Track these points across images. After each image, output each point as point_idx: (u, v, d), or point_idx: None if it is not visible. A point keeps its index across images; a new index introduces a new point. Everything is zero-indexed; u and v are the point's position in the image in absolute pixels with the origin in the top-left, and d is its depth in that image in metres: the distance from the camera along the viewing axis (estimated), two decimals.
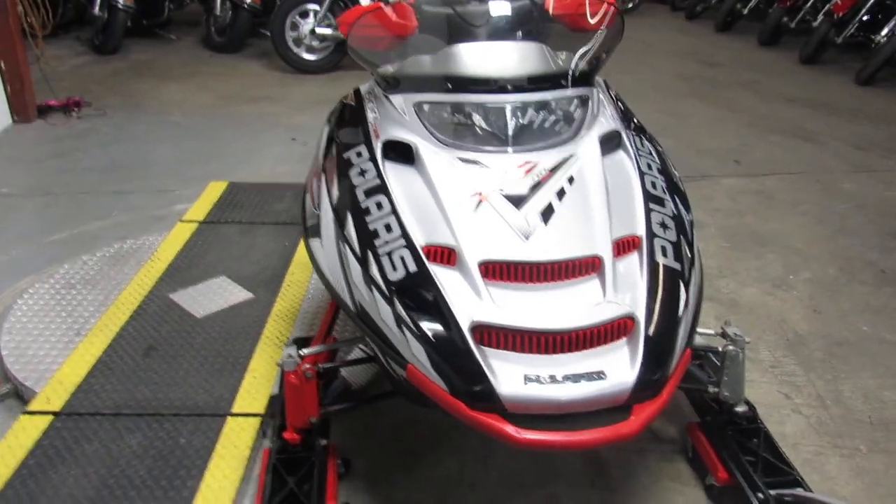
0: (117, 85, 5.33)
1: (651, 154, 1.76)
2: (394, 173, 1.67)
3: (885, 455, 1.93)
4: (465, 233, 1.48)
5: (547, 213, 1.52)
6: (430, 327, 1.37)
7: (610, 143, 1.74)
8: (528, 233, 1.47)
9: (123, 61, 5.98)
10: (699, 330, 1.87)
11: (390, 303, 1.43)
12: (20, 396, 2.05)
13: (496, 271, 1.44)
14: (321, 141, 1.94)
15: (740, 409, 1.77)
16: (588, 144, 1.69)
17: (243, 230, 2.95)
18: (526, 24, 1.95)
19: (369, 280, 1.48)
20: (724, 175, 3.83)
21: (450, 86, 1.72)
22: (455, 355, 1.33)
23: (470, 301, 1.39)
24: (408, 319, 1.39)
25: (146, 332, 2.24)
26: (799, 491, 1.58)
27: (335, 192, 1.69)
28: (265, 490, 1.57)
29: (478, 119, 1.71)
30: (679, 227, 1.57)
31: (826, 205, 3.48)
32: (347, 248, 1.56)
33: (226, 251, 2.76)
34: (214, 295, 2.45)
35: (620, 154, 1.74)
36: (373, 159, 1.70)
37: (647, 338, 1.35)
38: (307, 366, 1.62)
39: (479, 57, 1.77)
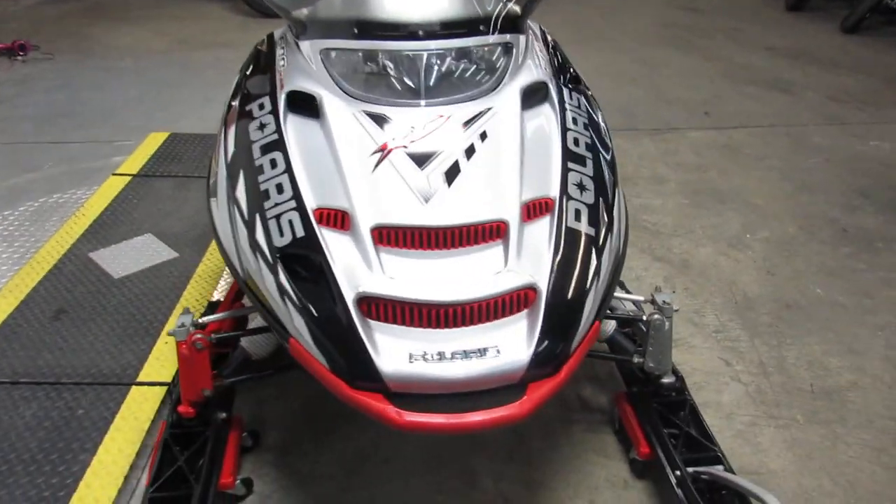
0: (69, 27, 5.08)
1: (579, 108, 1.63)
2: (295, 128, 1.53)
3: (823, 426, 1.86)
4: (359, 194, 1.36)
5: (452, 172, 1.39)
6: (312, 299, 1.26)
7: (534, 95, 1.60)
8: (429, 195, 1.35)
9: (80, 2, 5.70)
10: (627, 296, 1.78)
11: (273, 271, 1.31)
12: None
13: (390, 237, 1.32)
14: (231, 90, 1.79)
15: (667, 380, 1.68)
16: (508, 97, 1.55)
17: (178, 184, 2.81)
18: None
19: (255, 245, 1.36)
20: (692, 128, 3.67)
21: (356, 31, 1.57)
22: (336, 329, 1.22)
23: (358, 270, 1.27)
24: (290, 290, 1.28)
25: (59, 293, 2.12)
26: (718, 468, 1.50)
27: (230, 147, 1.56)
28: (154, 466, 1.48)
29: (389, 68, 1.56)
30: (599, 189, 1.45)
31: (793, 160, 3.35)
32: (236, 209, 1.43)
33: (156, 206, 2.63)
34: (137, 254, 2.33)
35: (545, 108, 1.60)
36: (274, 112, 1.56)
37: (547, 310, 1.24)
38: (199, 336, 1.51)
39: None
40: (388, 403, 1.19)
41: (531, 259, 1.30)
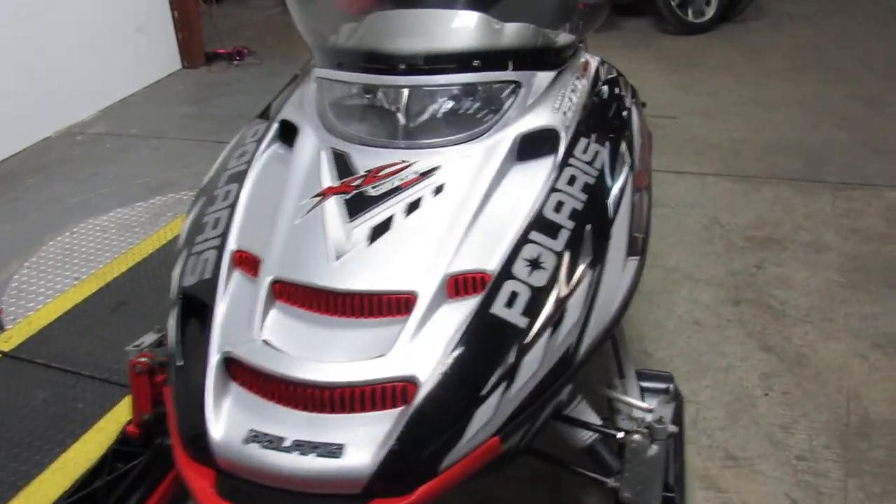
0: (290, 36, 5.60)
1: (591, 163, 1.34)
2: (269, 160, 1.47)
3: None
4: (275, 242, 1.24)
5: (381, 229, 1.21)
6: (186, 348, 1.18)
7: (540, 144, 1.35)
8: (342, 252, 1.19)
9: None
10: (625, 398, 1.45)
11: (174, 310, 1.26)
12: None
13: (289, 293, 1.18)
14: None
15: None
16: (493, 145, 1.33)
17: None
18: None
19: (173, 279, 1.32)
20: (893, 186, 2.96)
21: (341, 61, 1.46)
22: (190, 387, 1.12)
23: (240, 327, 1.16)
24: (174, 334, 1.22)
25: (129, 286, 2.28)
26: None
27: (212, 171, 1.54)
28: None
29: (372, 103, 1.43)
30: (559, 268, 1.16)
31: None
32: (182, 239, 1.41)
33: None
34: None
35: (545, 161, 1.34)
36: (259, 140, 1.52)
37: (415, 413, 1.02)
38: (142, 359, 1.52)
39: (373, 27, 1.47)
40: (209, 482, 1.06)
41: (427, 345, 1.08)
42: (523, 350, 1.09)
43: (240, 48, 5.07)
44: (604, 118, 1.49)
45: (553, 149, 1.35)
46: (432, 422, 1.02)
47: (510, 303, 1.12)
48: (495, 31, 1.41)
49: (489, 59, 1.39)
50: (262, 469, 1.03)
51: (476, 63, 1.38)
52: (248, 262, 1.25)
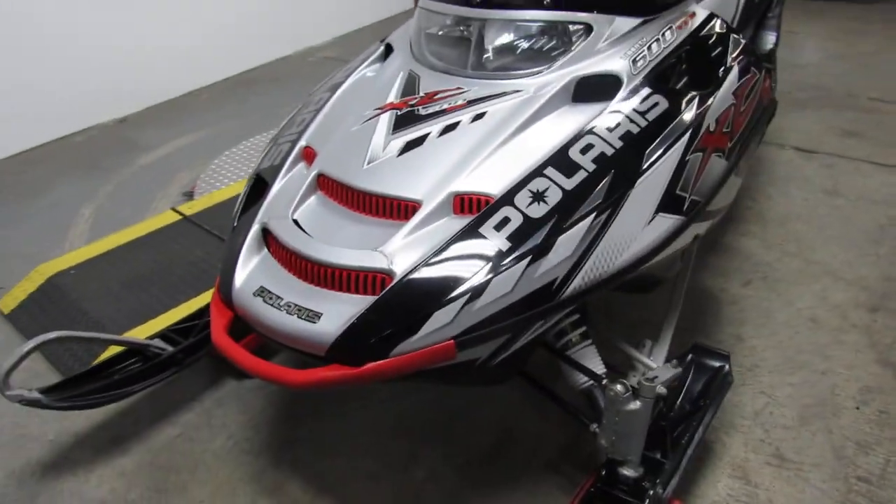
0: None
1: (644, 113, 1.33)
2: (363, 75, 1.66)
3: None
4: (332, 141, 1.45)
5: (414, 144, 1.35)
6: (243, 217, 1.42)
7: (602, 87, 1.37)
8: (375, 158, 1.35)
9: None
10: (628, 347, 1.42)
11: (246, 186, 1.51)
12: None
13: (327, 185, 1.39)
14: None
15: (628, 471, 1.31)
16: (546, 84, 1.38)
17: None
18: None
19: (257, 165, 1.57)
20: None
21: None
22: (235, 245, 1.37)
23: (282, 205, 1.38)
24: (238, 205, 1.47)
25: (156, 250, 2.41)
26: None
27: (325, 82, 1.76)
28: None
29: (454, 33, 1.53)
30: (562, 205, 1.20)
31: None
32: (277, 132, 1.66)
33: None
34: None
35: (599, 105, 1.35)
36: (365, 58, 1.71)
37: (380, 300, 1.15)
38: None
39: None
40: (224, 320, 1.30)
41: (414, 248, 1.20)
42: (495, 270, 1.15)
43: None
44: (685, 72, 1.43)
45: (611, 95, 1.35)
46: (393, 311, 1.15)
47: (499, 226, 1.19)
48: None
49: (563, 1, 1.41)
50: (257, 319, 1.24)
51: (547, 1, 1.40)
52: (310, 156, 1.46)
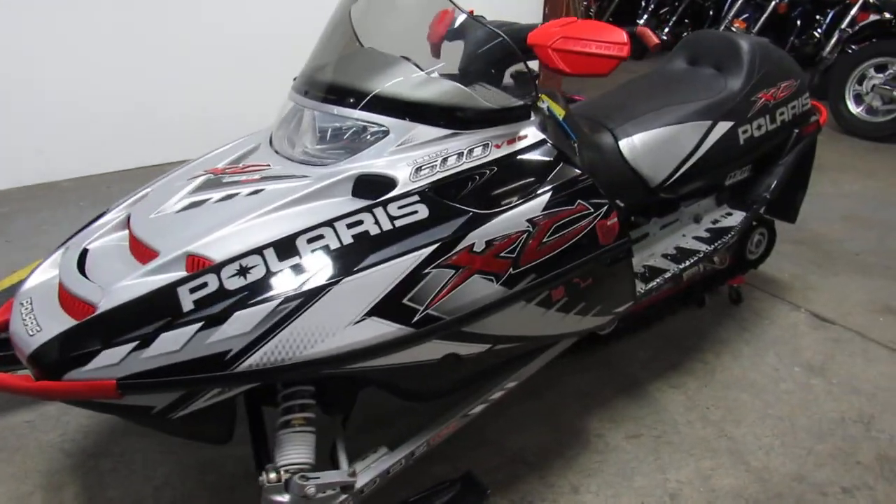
0: None
1: (394, 221, 1.36)
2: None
3: None
4: (150, 188, 1.63)
5: (195, 205, 1.49)
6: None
7: (375, 187, 1.43)
8: (163, 211, 1.49)
9: None
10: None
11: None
12: None
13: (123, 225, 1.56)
14: None
15: None
16: (330, 174, 1.46)
17: None
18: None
19: None
20: None
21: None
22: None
23: (89, 234, 1.57)
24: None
25: None
26: None
27: None
28: None
29: (290, 117, 1.67)
30: (257, 285, 1.26)
31: None
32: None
33: None
34: None
35: (362, 202, 1.40)
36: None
37: (73, 327, 1.28)
38: None
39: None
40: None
41: (127, 292, 1.31)
42: (167, 327, 1.23)
43: None
44: (473, 191, 1.43)
45: (380, 195, 1.40)
46: (77, 340, 1.27)
47: (194, 290, 1.28)
48: (378, 77, 1.49)
49: (370, 101, 1.48)
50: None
51: (351, 101, 1.49)
52: None
